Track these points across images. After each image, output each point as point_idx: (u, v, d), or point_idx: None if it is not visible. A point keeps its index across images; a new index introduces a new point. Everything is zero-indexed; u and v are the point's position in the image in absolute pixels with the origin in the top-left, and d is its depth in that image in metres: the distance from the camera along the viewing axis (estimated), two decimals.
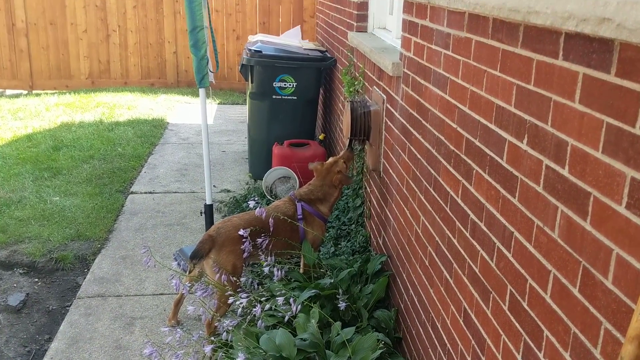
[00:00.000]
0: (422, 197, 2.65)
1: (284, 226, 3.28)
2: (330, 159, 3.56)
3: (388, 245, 3.34)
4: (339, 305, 2.93)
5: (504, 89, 1.78)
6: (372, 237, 3.84)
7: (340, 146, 5.21)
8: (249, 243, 3.07)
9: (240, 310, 2.82)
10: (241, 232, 3.07)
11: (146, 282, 3.92)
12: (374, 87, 3.69)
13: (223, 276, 3.00)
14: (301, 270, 3.48)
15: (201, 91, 4.04)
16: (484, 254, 1.94)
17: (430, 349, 2.51)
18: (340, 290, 3.07)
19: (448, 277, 2.30)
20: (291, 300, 2.81)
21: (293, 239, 3.34)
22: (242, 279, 3.11)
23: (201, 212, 4.34)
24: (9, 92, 9.63)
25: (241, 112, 9.08)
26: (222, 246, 3.08)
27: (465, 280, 2.11)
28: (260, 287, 3.22)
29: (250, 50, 5.46)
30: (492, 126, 1.86)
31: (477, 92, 1.99)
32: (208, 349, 2.61)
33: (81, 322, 3.49)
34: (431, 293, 2.52)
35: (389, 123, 3.29)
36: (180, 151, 6.96)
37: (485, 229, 1.93)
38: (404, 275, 2.98)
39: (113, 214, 4.97)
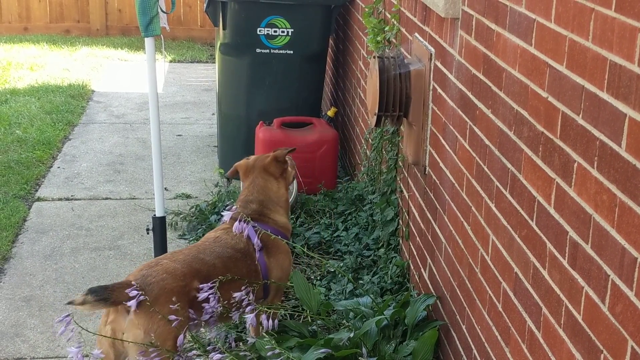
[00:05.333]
0: (493, 206, 2.66)
1: (235, 266, 3.29)
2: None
3: (437, 280, 3.36)
4: None
5: (621, 38, 1.79)
6: (411, 267, 3.86)
7: (360, 126, 5.24)
8: (216, 300, 3.02)
9: None
10: (204, 292, 2.99)
11: (63, 338, 3.93)
12: (416, 35, 3.70)
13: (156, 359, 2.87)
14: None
15: (148, 42, 4.05)
16: (591, 293, 1.95)
17: None
18: (364, 350, 3.08)
19: (534, 328, 2.31)
20: None
21: (252, 280, 3.33)
22: (213, 334, 3.13)
23: (147, 229, 4.35)
24: None
25: (206, 75, 9.10)
26: (155, 306, 2.94)
27: (561, 333, 2.12)
28: (240, 344, 3.24)
29: None
30: (604, 95, 1.87)
31: (579, 42, 2.00)
32: None
33: None
34: (507, 354, 2.53)
35: (440, 91, 3.31)
36: (113, 135, 6.98)
37: (592, 253, 1.94)
38: (464, 326, 2.99)
39: (9, 232, 4.99)
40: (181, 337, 2.93)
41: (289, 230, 3.59)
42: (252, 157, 3.69)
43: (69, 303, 2.87)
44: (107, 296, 2.86)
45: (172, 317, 2.91)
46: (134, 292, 2.87)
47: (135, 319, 2.91)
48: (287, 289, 3.74)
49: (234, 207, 3.51)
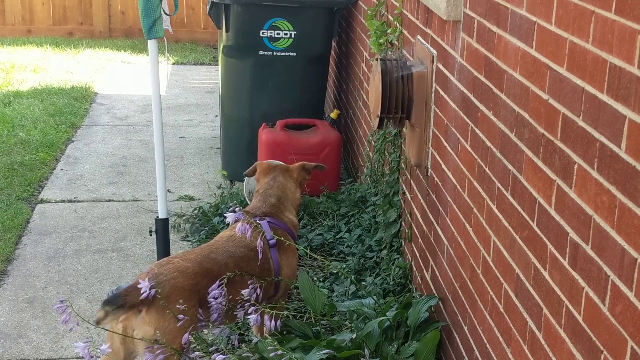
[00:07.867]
0: (494, 207, 2.68)
1: (248, 265, 3.31)
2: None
3: (440, 281, 3.37)
4: None
5: (621, 40, 1.81)
6: (414, 269, 3.87)
7: (363, 128, 5.25)
8: (223, 298, 3.05)
9: None
10: (214, 290, 3.02)
11: (66, 339, 3.96)
12: (418, 37, 3.72)
13: (160, 357, 2.88)
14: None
15: (151, 44, 4.07)
16: (591, 294, 1.97)
17: None
18: (366, 351, 3.09)
19: (535, 329, 2.33)
20: None
21: (264, 278, 3.36)
22: (216, 331, 3.14)
23: (150, 231, 4.37)
24: None
25: (209, 77, 9.12)
26: (167, 304, 2.96)
27: (562, 333, 2.14)
28: (243, 345, 3.25)
29: None
30: (604, 97, 1.89)
31: (579, 44, 2.02)
32: None
33: None
34: (508, 354, 2.54)
35: (442, 93, 3.32)
36: (116, 137, 7.00)
37: (592, 254, 1.96)
38: (466, 327, 3.01)
39: (13, 233, 5.01)
40: (186, 335, 2.95)
41: (297, 230, 3.68)
42: (275, 161, 3.84)
43: (97, 325, 2.93)
44: (123, 302, 2.91)
45: (181, 316, 2.93)
46: (145, 286, 2.89)
47: (146, 316, 2.95)
48: (290, 290, 3.76)
49: (252, 200, 3.62)
